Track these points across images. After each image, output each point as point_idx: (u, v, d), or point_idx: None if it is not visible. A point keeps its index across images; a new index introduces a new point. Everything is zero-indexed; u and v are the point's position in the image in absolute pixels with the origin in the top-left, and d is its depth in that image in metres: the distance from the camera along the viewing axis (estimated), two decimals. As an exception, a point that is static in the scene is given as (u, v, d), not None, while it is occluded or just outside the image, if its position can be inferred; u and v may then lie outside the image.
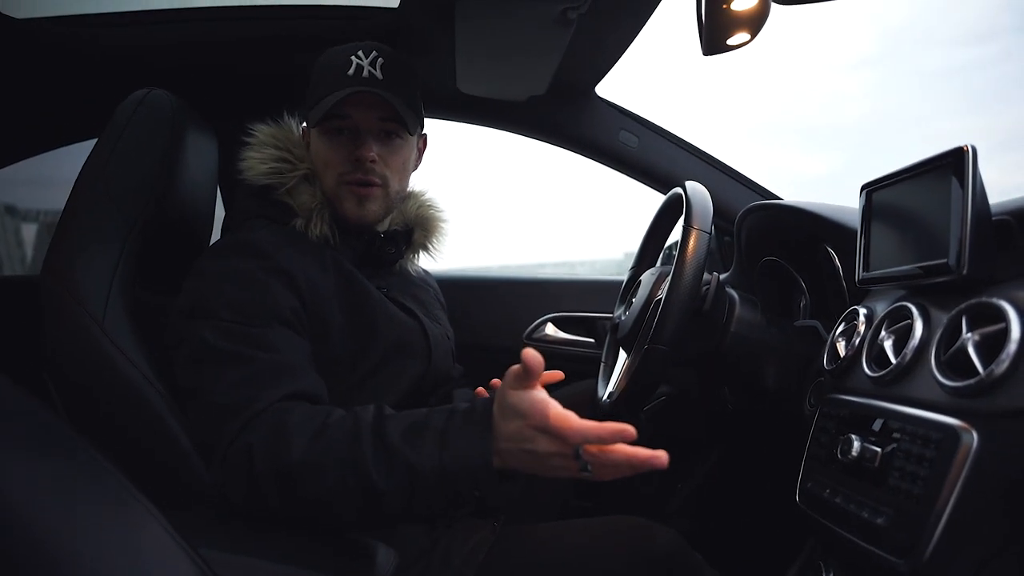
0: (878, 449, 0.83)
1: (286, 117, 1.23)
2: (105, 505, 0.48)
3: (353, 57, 1.13)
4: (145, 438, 0.98)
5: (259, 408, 0.88)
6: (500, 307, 1.92)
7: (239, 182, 1.17)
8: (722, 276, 1.43)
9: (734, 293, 1.24)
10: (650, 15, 1.35)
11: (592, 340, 1.88)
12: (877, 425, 0.86)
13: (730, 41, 1.00)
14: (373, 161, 1.14)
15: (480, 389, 1.24)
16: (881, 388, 0.90)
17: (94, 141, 1.12)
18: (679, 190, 1.25)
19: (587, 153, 1.76)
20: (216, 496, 0.89)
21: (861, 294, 1.14)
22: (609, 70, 1.58)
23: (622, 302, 1.48)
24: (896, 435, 0.82)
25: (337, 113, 1.12)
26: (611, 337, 1.47)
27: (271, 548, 0.82)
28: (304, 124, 1.23)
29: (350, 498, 0.82)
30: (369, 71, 1.12)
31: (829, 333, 1.21)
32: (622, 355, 1.34)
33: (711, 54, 1.03)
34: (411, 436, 0.83)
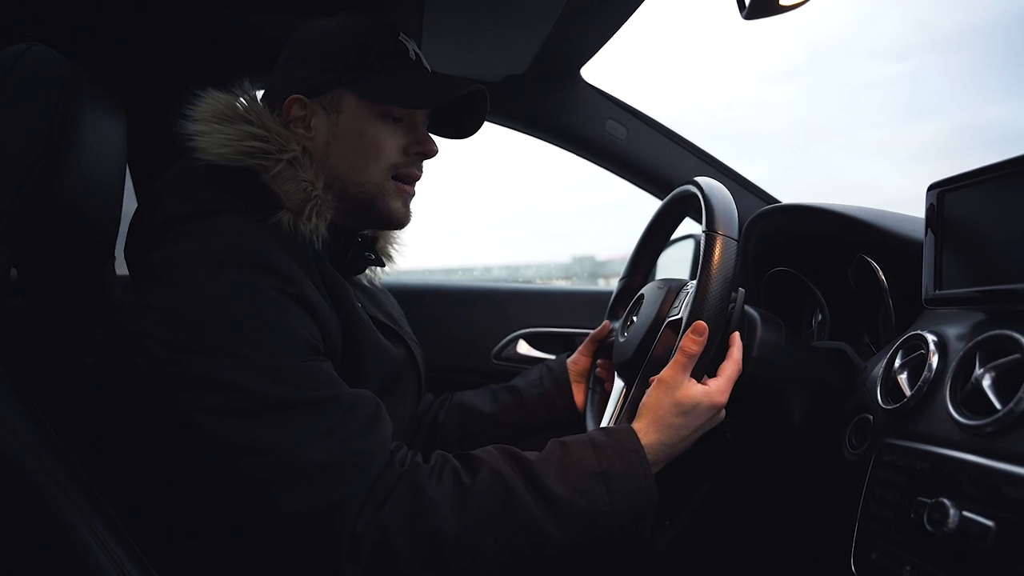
0: (990, 523, 0.64)
1: (248, 86, 0.98)
2: None
3: (402, 38, 0.99)
4: (11, 517, 0.72)
5: (379, 464, 0.78)
6: (463, 322, 1.69)
7: (184, 162, 0.93)
8: None
9: (754, 312, 1.05)
10: None
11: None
12: (979, 489, 0.67)
13: (784, 0, 0.81)
14: (433, 156, 1.02)
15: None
16: (980, 440, 0.70)
17: None
18: (690, 188, 1.05)
19: (568, 144, 1.55)
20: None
21: (910, 316, 0.96)
22: (598, 50, 1.38)
23: (614, 317, 1.27)
24: (1019, 507, 0.63)
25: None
26: (601, 360, 1.26)
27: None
28: (299, 94, 0.97)
29: (512, 555, 0.79)
30: (424, 61, 1.01)
31: (864, 360, 1.04)
32: (618, 383, 1.13)
33: (756, 17, 0.84)
34: (570, 481, 0.82)
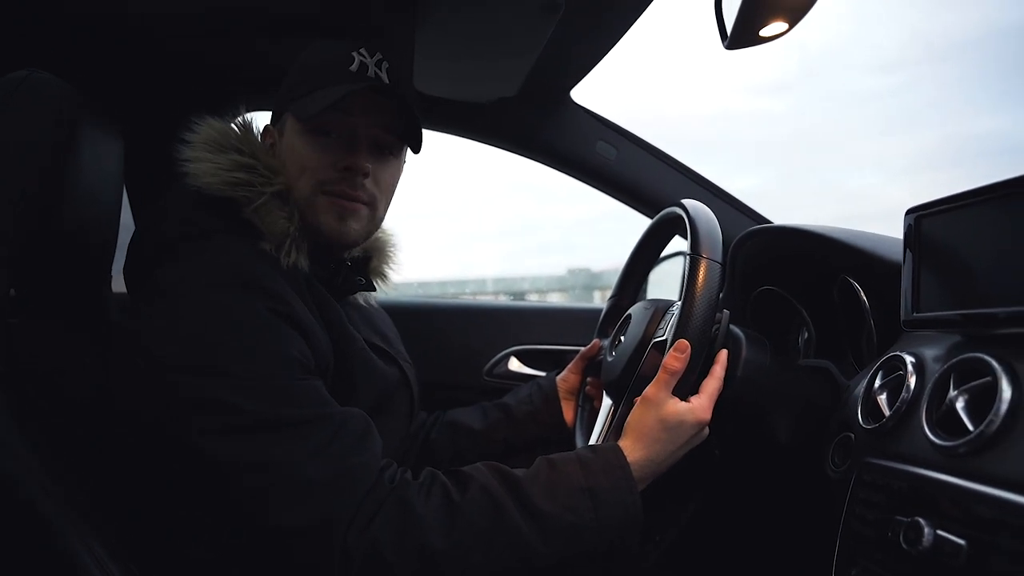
0: (962, 542, 0.66)
1: (245, 115, 1.01)
2: None
3: (355, 54, 0.96)
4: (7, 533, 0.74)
5: (367, 481, 0.79)
6: (455, 339, 1.71)
7: (180, 186, 0.95)
8: None
9: (739, 331, 1.07)
10: (642, 12, 1.18)
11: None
12: (953, 509, 0.69)
13: (763, 32, 0.83)
14: (366, 174, 0.97)
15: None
16: (953, 460, 0.72)
17: None
18: (676, 210, 1.07)
19: (559, 165, 1.58)
20: None
21: (892, 337, 0.98)
22: (588, 72, 1.40)
23: (603, 336, 1.29)
24: (988, 526, 0.65)
25: (334, 111, 0.93)
26: (590, 377, 1.28)
27: None
28: (269, 123, 1.03)
29: (500, 570, 0.80)
30: (375, 72, 0.96)
31: (848, 378, 1.06)
32: (606, 401, 1.15)
33: (737, 47, 0.86)
34: (558, 497, 0.83)
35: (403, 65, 1.04)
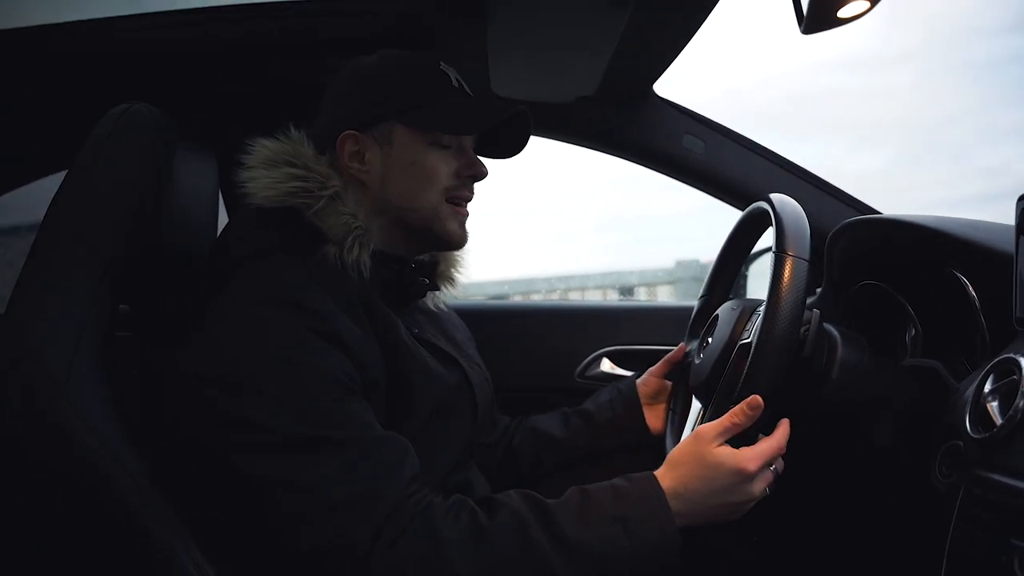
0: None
1: (293, 131, 1.04)
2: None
3: (443, 67, 1.03)
4: (105, 534, 0.79)
5: (392, 504, 0.79)
6: (543, 341, 1.68)
7: (241, 208, 0.99)
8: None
9: (834, 330, 1.01)
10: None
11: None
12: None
13: (842, 12, 0.78)
14: (485, 176, 1.05)
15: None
16: (1076, 479, 0.65)
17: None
18: (763, 205, 1.03)
19: (645, 161, 1.54)
20: None
21: (1007, 336, 0.89)
22: (670, 64, 1.36)
23: (693, 336, 1.25)
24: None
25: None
26: (680, 379, 1.24)
27: None
28: (351, 130, 1.03)
29: None
30: (458, 81, 1.04)
31: (957, 380, 0.97)
32: (695, 404, 1.12)
33: (814, 31, 0.80)
34: (589, 526, 0.82)
35: (477, 69, 1.05)
